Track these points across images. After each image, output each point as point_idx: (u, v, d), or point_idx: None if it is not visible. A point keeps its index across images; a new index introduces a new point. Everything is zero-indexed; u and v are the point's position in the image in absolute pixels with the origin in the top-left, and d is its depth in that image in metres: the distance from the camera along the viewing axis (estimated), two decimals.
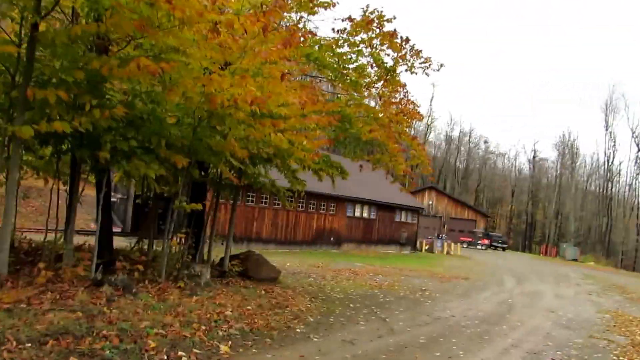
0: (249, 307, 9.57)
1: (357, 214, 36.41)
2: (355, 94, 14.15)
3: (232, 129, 9.23)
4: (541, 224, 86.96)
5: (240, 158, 10.31)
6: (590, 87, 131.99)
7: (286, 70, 9.41)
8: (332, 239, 34.10)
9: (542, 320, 14.23)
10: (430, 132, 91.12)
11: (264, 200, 29.00)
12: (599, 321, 15.32)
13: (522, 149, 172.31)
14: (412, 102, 14.73)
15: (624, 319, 16.36)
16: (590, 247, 76.65)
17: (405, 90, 14.57)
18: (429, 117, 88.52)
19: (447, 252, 44.18)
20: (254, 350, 7.46)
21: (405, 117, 14.64)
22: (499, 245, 62.41)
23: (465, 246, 56.06)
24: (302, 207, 31.54)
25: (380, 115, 13.85)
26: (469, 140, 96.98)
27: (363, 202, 36.51)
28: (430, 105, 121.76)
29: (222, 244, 14.75)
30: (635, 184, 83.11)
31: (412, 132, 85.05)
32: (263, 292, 11.62)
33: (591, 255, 65.90)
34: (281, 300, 11.26)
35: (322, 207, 33.12)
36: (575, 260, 59.15)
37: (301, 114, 10.28)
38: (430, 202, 63.50)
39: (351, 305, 12.96)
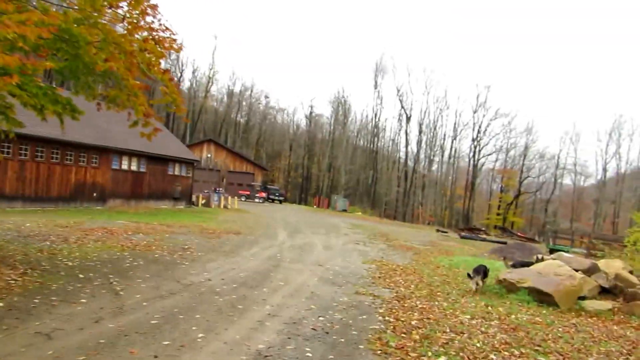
0: None
1: (125, 166, 32.72)
2: (94, 13, 11.10)
3: None
4: (316, 177, 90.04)
5: None
6: (364, 49, 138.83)
7: None
8: (95, 194, 30.17)
9: (309, 277, 13.06)
10: (212, 85, 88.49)
11: (5, 149, 24.22)
12: (365, 273, 14.71)
13: (301, 104, 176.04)
14: (167, 28, 12.16)
15: (388, 268, 16.10)
16: (359, 198, 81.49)
17: (157, 14, 11.94)
18: (211, 69, 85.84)
19: (225, 206, 42.67)
20: None
21: (158, 46, 12.04)
22: (276, 198, 62.96)
23: (243, 200, 55.23)
24: (56, 158, 27.14)
25: (123, 40, 11.02)
26: (251, 94, 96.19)
27: (131, 154, 32.87)
28: (213, 57, 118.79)
29: None
30: (397, 139, 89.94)
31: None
32: None
33: (359, 206, 69.77)
34: None
35: (81, 158, 28.91)
36: (345, 210, 62.02)
37: None
38: (209, 155, 61.24)
39: (82, 275, 10.30)
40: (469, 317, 9.97)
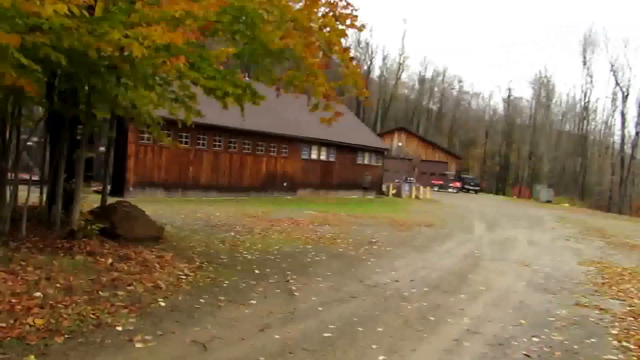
0: (36, 295, 5.89)
1: (314, 156, 32.82)
2: None
3: None
4: (515, 166, 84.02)
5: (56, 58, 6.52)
6: (569, 22, 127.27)
7: None
8: (285, 184, 30.60)
9: (514, 280, 11.01)
10: (402, 72, 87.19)
11: (201, 141, 25.28)
12: (583, 277, 12.16)
13: (497, 88, 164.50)
14: (349, 3, 10.97)
15: (612, 272, 13.27)
16: (564, 188, 73.90)
17: None
18: (401, 55, 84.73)
19: (416, 196, 41.16)
20: None
21: (338, 23, 10.92)
22: (472, 187, 59.65)
23: (436, 189, 53.21)
24: (248, 148, 27.85)
25: (300, 15, 10.00)
26: (443, 80, 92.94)
27: (320, 143, 32.85)
28: (402, 42, 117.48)
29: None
30: (611, 121, 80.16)
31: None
32: (111, 260, 8.00)
33: (565, 197, 63.33)
34: (133, 272, 7.65)
35: (272, 148, 29.44)
36: (549, 202, 56.44)
37: None
38: (400, 144, 59.97)
39: (258, 270, 9.55)
40: None
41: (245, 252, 11.35)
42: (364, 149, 37.13)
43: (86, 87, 8.83)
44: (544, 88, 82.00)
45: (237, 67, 11.13)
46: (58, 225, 9.36)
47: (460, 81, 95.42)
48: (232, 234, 13.94)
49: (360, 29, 11.30)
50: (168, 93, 10.04)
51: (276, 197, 29.51)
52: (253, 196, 28.13)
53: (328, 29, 10.66)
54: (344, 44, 10.78)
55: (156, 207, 18.99)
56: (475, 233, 19.66)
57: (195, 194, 25.24)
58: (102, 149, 25.48)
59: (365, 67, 75.71)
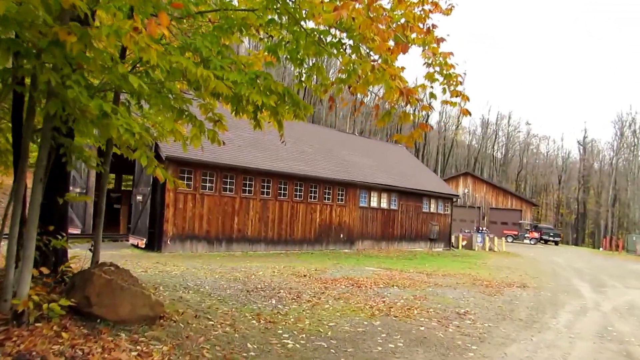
0: None
1: (374, 203, 29.04)
2: None
3: None
4: (594, 213, 77.07)
5: None
6: None
7: None
8: (341, 235, 26.90)
9: None
10: (463, 116, 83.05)
11: (247, 188, 22.07)
12: None
13: (571, 130, 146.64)
14: None
15: None
16: None
17: None
18: (458, 97, 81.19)
19: (490, 249, 36.71)
20: None
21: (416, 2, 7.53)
22: (551, 238, 53.54)
23: (510, 241, 48.16)
24: (299, 195, 24.42)
25: None
26: (508, 123, 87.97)
27: (381, 189, 29.14)
28: (463, 84, 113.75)
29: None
30: None
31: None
32: None
33: None
34: None
35: (326, 195, 25.91)
36: None
37: None
38: (466, 191, 55.36)
39: None
40: None
41: (285, 335, 7.76)
42: (430, 195, 33.18)
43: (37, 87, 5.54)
44: (629, 127, 75.23)
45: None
46: (9, 301, 5.99)
47: (528, 123, 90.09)
48: (273, 302, 10.42)
49: (448, 12, 7.83)
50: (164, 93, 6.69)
51: (331, 250, 25.86)
52: (306, 249, 24.61)
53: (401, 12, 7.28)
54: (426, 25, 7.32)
55: (192, 263, 15.89)
56: (585, 296, 15.37)
57: (241, 248, 21.93)
58: (139, 198, 22.67)
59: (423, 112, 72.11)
